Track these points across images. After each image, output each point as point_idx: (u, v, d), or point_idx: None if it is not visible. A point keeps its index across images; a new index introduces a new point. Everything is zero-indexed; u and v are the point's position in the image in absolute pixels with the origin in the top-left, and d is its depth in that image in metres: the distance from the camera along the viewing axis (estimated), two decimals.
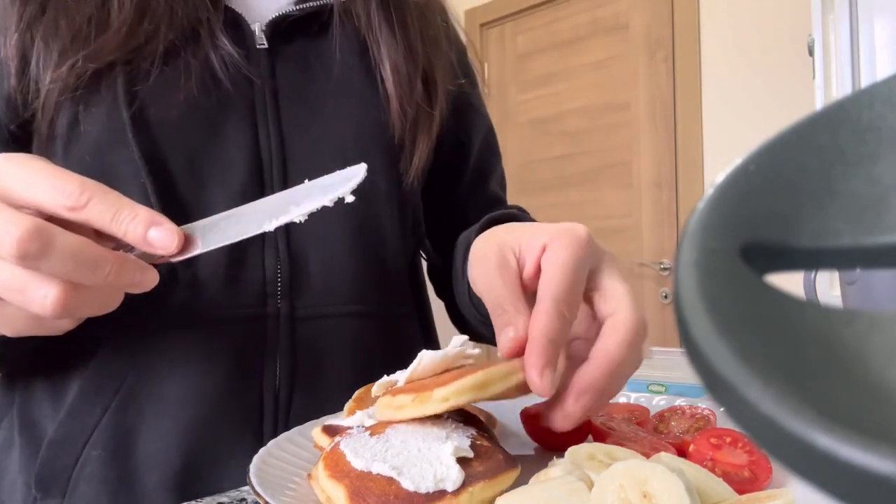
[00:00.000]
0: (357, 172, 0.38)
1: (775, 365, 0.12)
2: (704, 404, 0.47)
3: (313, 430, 0.41)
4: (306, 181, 0.39)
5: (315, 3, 0.58)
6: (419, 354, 0.39)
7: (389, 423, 0.37)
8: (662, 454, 0.38)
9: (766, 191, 0.16)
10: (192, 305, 0.51)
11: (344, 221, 0.57)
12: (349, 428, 0.39)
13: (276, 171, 0.55)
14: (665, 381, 0.62)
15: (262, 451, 0.40)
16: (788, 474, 0.14)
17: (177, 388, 0.50)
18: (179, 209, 0.51)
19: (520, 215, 0.59)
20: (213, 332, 0.51)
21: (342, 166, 0.39)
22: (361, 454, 0.33)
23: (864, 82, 1.16)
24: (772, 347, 0.13)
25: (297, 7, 0.57)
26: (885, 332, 0.13)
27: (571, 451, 0.36)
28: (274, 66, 0.56)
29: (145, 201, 0.49)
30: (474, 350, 0.41)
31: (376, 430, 0.36)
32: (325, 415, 0.47)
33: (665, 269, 2.29)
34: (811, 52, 1.36)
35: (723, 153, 2.17)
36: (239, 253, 0.52)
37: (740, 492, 0.34)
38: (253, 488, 0.34)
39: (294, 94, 0.56)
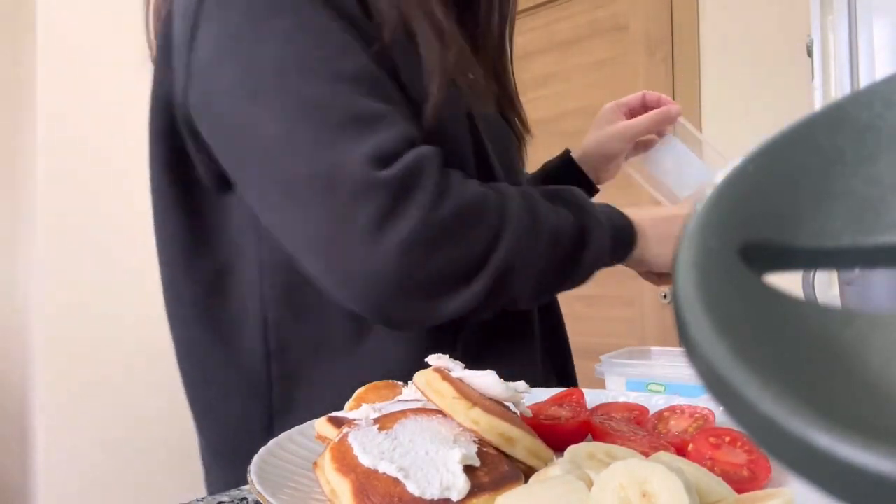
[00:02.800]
0: None
1: (774, 364, 0.12)
2: (703, 404, 0.47)
3: (317, 421, 0.42)
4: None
5: None
6: (488, 371, 0.40)
7: (397, 417, 0.37)
8: (662, 453, 0.38)
9: (766, 191, 0.16)
10: None
11: None
12: (355, 420, 0.39)
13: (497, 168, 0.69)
14: (664, 380, 0.62)
15: (262, 450, 0.40)
16: (787, 473, 0.14)
17: None
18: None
19: None
20: None
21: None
22: (369, 450, 0.33)
23: (863, 83, 1.16)
24: (771, 347, 0.13)
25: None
26: (883, 331, 0.13)
27: (571, 450, 0.36)
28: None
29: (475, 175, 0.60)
30: (526, 392, 0.42)
31: (385, 424, 0.36)
32: None
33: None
34: (810, 53, 1.36)
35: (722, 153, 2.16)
36: None
37: (739, 491, 0.34)
38: (253, 487, 0.34)
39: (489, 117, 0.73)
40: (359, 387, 0.46)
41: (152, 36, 0.64)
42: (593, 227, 0.58)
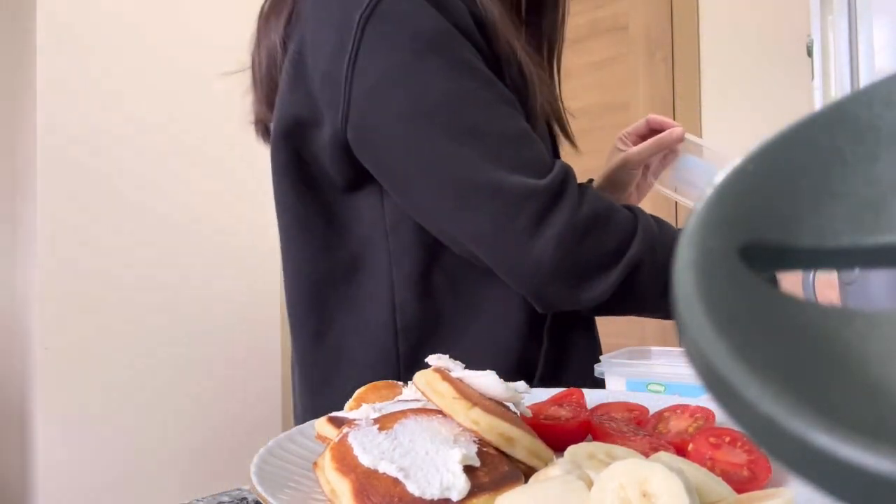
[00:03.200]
0: None
1: (774, 364, 0.12)
2: (704, 404, 0.47)
3: (317, 422, 0.42)
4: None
5: None
6: (488, 371, 0.41)
7: (397, 417, 0.37)
8: (662, 453, 0.38)
9: (765, 191, 0.16)
10: None
11: None
12: (355, 420, 0.39)
13: None
14: (664, 380, 0.62)
15: (262, 450, 0.40)
16: (787, 473, 0.14)
17: None
18: None
19: None
20: None
21: None
22: (369, 450, 0.33)
23: (863, 83, 1.16)
24: (771, 347, 0.13)
25: None
26: (883, 331, 0.13)
27: (571, 450, 0.36)
28: None
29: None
30: (526, 392, 0.43)
31: (385, 424, 0.36)
32: None
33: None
34: (810, 53, 1.36)
35: None
36: None
37: (739, 491, 0.34)
38: (253, 487, 0.35)
39: None
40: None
41: (262, 68, 0.76)
42: None
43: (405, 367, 0.69)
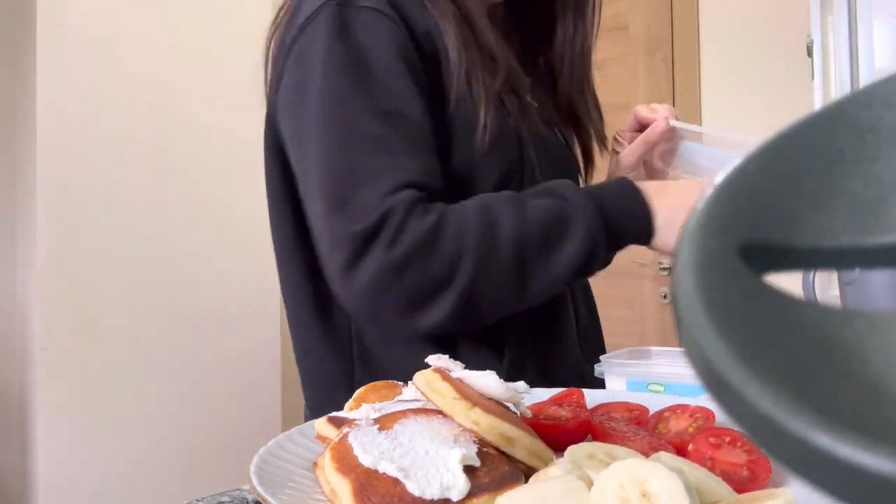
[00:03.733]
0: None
1: (774, 364, 0.12)
2: (704, 404, 0.47)
3: (317, 421, 0.42)
4: None
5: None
6: (488, 371, 0.41)
7: (397, 417, 0.37)
8: (662, 453, 0.38)
9: (765, 191, 0.16)
10: None
11: None
12: (355, 420, 0.39)
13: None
14: (664, 380, 0.62)
15: (262, 449, 0.40)
16: (787, 473, 0.14)
17: None
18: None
19: None
20: None
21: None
22: (369, 450, 0.33)
23: (863, 83, 1.16)
24: (770, 347, 0.13)
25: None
26: (883, 332, 0.13)
27: (571, 450, 0.36)
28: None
29: (519, 189, 0.69)
30: (526, 392, 0.42)
31: (385, 424, 0.36)
32: None
33: (664, 269, 2.29)
34: (810, 53, 1.36)
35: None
36: None
37: (739, 491, 0.34)
38: (254, 487, 0.35)
39: (541, 132, 0.81)
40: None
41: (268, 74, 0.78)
42: (575, 217, 0.63)
43: (359, 370, 0.72)
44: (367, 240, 0.60)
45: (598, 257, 0.64)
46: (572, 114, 0.88)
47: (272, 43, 0.74)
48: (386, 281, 0.60)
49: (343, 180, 0.63)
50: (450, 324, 0.63)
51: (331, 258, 0.62)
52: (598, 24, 0.88)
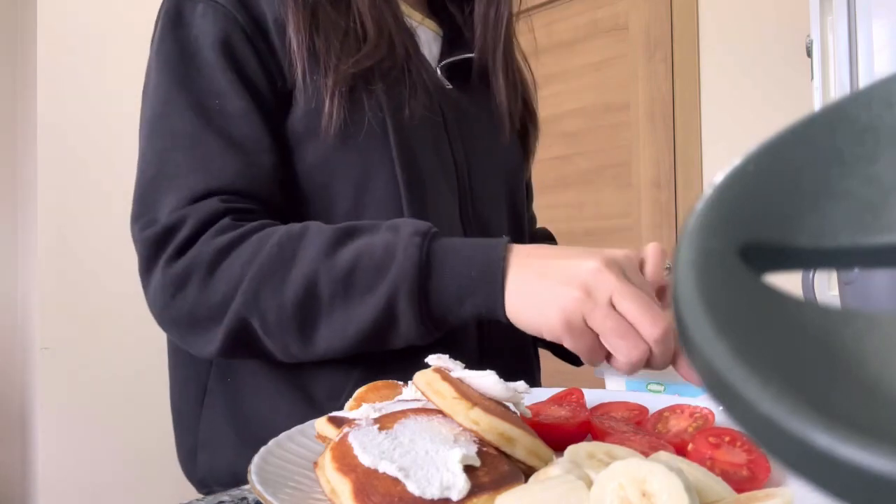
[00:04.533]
0: None
1: (774, 364, 0.12)
2: (703, 403, 0.48)
3: (317, 421, 0.42)
4: None
5: (461, 57, 0.76)
6: (488, 371, 0.40)
7: (397, 417, 0.37)
8: (661, 453, 0.38)
9: (765, 191, 0.16)
10: None
11: (503, 208, 0.78)
12: (355, 419, 0.39)
13: (463, 174, 0.72)
14: (664, 380, 0.62)
15: (262, 449, 0.40)
16: (787, 473, 0.14)
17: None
18: (420, 195, 0.66)
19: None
20: None
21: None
22: (370, 449, 0.33)
23: (862, 83, 1.16)
24: (770, 347, 0.13)
25: (454, 59, 0.76)
26: (883, 331, 0.13)
27: (571, 449, 0.36)
28: (452, 99, 0.74)
29: (395, 190, 0.64)
30: (526, 392, 0.42)
31: (385, 423, 0.36)
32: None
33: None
34: (809, 53, 1.36)
35: (722, 153, 2.17)
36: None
37: (739, 491, 0.34)
38: (254, 487, 0.35)
39: (464, 120, 0.74)
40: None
41: None
42: (392, 269, 0.53)
43: (213, 381, 0.69)
44: (155, 249, 0.59)
45: (397, 324, 0.54)
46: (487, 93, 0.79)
47: None
48: (164, 297, 0.58)
49: (149, 183, 0.61)
50: (227, 355, 0.59)
51: (138, 263, 0.61)
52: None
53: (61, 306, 1.76)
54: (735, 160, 0.17)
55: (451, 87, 0.74)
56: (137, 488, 1.83)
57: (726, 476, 0.36)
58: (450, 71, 0.75)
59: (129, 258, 2.02)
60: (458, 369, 0.42)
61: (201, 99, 0.61)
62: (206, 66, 0.62)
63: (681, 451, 0.41)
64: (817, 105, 1.31)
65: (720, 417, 0.45)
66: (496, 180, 0.77)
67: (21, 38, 1.85)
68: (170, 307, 0.58)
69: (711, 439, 0.39)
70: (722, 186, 0.16)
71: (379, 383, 0.48)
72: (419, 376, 0.40)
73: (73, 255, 1.78)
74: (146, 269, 0.60)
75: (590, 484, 0.31)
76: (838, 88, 1.24)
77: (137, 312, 1.94)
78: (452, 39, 0.78)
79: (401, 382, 0.47)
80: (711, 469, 0.36)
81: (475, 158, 0.74)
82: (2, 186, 1.88)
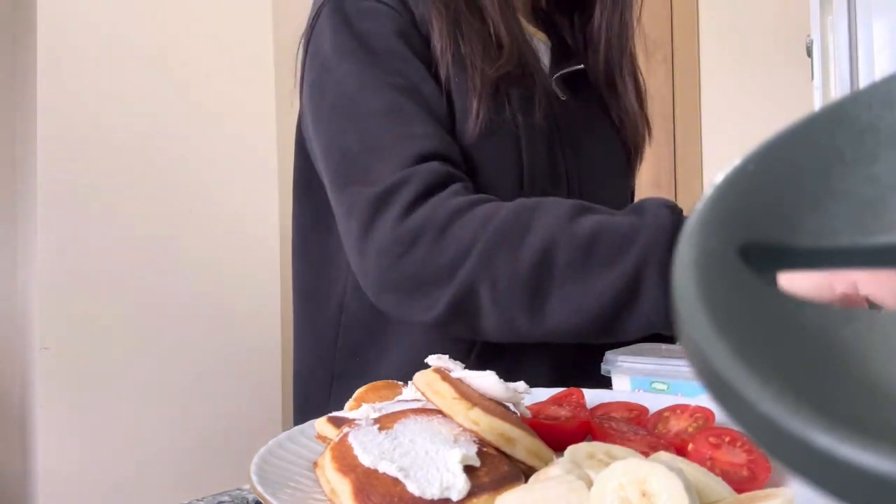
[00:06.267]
0: None
1: (774, 364, 0.12)
2: (704, 403, 0.47)
3: (317, 421, 0.42)
4: None
5: (575, 68, 0.78)
6: (488, 371, 0.40)
7: (397, 417, 0.37)
8: (662, 453, 0.38)
9: (765, 191, 0.16)
10: None
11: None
12: (355, 420, 0.39)
13: (574, 184, 0.73)
14: (670, 378, 0.62)
15: (262, 449, 0.40)
16: (787, 473, 0.14)
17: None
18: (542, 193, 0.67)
19: None
20: None
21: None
22: (370, 450, 0.33)
23: (863, 83, 1.16)
24: (770, 347, 0.13)
25: (569, 69, 0.78)
26: (883, 331, 0.13)
27: (571, 449, 0.36)
28: (565, 109, 0.76)
29: (518, 192, 0.65)
30: (526, 392, 0.42)
31: (385, 424, 0.36)
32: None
33: None
34: (810, 53, 1.36)
35: (722, 153, 2.17)
36: None
37: (739, 491, 0.34)
38: (254, 487, 0.35)
39: (576, 131, 0.75)
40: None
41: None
42: (637, 242, 0.50)
43: (339, 363, 0.72)
44: (377, 208, 0.57)
45: (640, 301, 0.51)
46: (610, 101, 0.81)
47: (300, 49, 0.75)
48: (390, 257, 0.55)
49: (355, 156, 0.61)
50: (445, 323, 0.56)
51: (348, 232, 0.60)
52: None
53: (61, 306, 1.76)
54: (735, 160, 0.17)
55: (564, 97, 0.76)
56: (137, 488, 1.83)
57: (726, 476, 0.36)
58: (563, 81, 0.77)
59: (129, 258, 2.00)
60: (457, 369, 0.42)
61: (396, 80, 0.64)
62: (390, 54, 0.65)
63: (681, 451, 0.41)
64: (818, 105, 1.32)
65: (721, 417, 0.45)
66: (605, 192, 0.77)
67: (21, 37, 1.85)
68: (394, 267, 0.56)
69: (712, 439, 0.39)
70: (722, 186, 0.16)
71: (379, 383, 0.48)
72: (419, 377, 0.40)
73: (73, 255, 1.78)
74: (365, 230, 0.57)
75: (590, 484, 0.31)
76: (839, 88, 1.24)
77: (138, 312, 1.94)
78: (561, 50, 0.80)
79: (401, 382, 0.47)
80: (711, 469, 0.36)
81: (585, 169, 0.75)
82: (1, 186, 1.88)
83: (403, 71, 0.64)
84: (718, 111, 2.18)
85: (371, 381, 0.57)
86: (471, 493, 0.31)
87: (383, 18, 0.66)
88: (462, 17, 0.67)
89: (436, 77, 0.66)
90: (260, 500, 0.34)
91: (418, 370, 0.42)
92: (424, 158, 0.59)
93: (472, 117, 0.64)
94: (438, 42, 0.66)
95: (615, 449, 0.36)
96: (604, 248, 0.51)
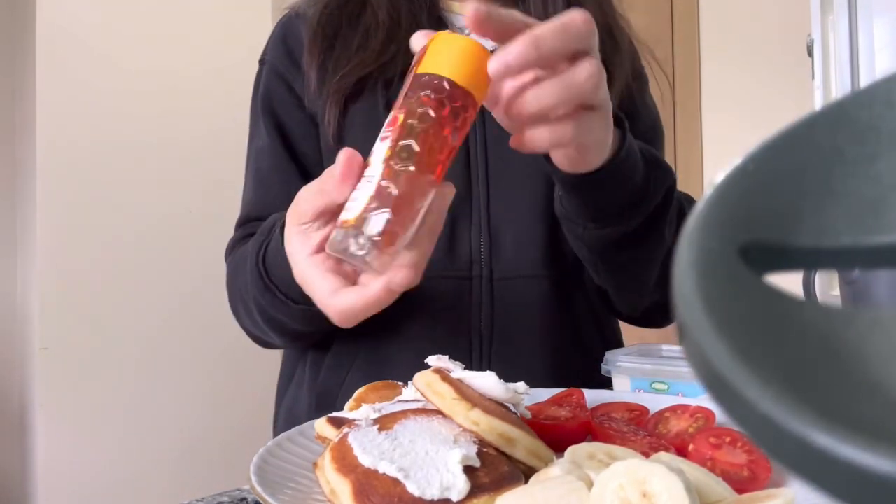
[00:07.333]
0: None
1: (774, 364, 0.12)
2: (704, 404, 0.47)
3: (317, 422, 0.42)
4: None
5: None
6: (488, 372, 0.41)
7: (397, 417, 0.37)
8: (662, 453, 0.38)
9: (765, 191, 0.16)
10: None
11: (532, 203, 0.70)
12: (355, 420, 0.39)
13: (481, 171, 0.71)
14: (670, 378, 0.62)
15: (262, 450, 0.40)
16: (787, 473, 0.14)
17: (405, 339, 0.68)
18: None
19: None
20: (435, 291, 0.68)
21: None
22: (369, 450, 0.33)
23: (863, 83, 1.16)
24: (771, 347, 0.13)
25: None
26: (884, 331, 0.13)
27: (571, 450, 0.36)
28: None
29: None
30: (526, 393, 0.42)
31: (385, 424, 0.36)
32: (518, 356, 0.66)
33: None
34: (810, 53, 1.36)
35: (722, 153, 2.17)
36: (452, 231, 0.69)
37: (739, 491, 0.34)
38: (254, 487, 0.35)
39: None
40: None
41: None
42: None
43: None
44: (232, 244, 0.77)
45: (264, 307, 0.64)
46: None
47: None
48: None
49: (244, 204, 0.82)
50: (256, 340, 0.74)
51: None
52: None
53: (61, 306, 1.76)
54: (735, 160, 0.17)
55: None
56: (137, 488, 1.83)
57: (727, 476, 0.36)
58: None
59: (128, 258, 2.00)
60: (457, 370, 0.41)
61: (257, 143, 0.76)
62: (257, 117, 0.76)
63: (681, 451, 0.41)
64: (818, 105, 1.31)
65: (721, 418, 0.45)
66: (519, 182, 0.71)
67: (20, 38, 1.85)
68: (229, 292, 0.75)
69: (712, 440, 0.39)
70: (722, 186, 0.16)
71: (379, 384, 0.48)
72: (419, 377, 0.40)
73: (73, 255, 1.78)
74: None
75: (590, 484, 0.31)
76: (839, 88, 1.24)
77: (137, 312, 1.94)
78: None
79: (401, 383, 0.47)
80: (712, 469, 0.36)
81: (494, 157, 0.70)
82: (2, 187, 1.88)
83: (261, 132, 0.75)
84: (718, 111, 2.18)
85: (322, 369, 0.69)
86: (471, 494, 0.31)
87: (258, 80, 0.76)
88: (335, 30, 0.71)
89: (302, 105, 0.73)
90: (259, 500, 0.34)
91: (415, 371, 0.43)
92: (242, 223, 0.78)
93: (325, 125, 0.70)
94: (307, 59, 0.70)
95: (615, 449, 0.36)
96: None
